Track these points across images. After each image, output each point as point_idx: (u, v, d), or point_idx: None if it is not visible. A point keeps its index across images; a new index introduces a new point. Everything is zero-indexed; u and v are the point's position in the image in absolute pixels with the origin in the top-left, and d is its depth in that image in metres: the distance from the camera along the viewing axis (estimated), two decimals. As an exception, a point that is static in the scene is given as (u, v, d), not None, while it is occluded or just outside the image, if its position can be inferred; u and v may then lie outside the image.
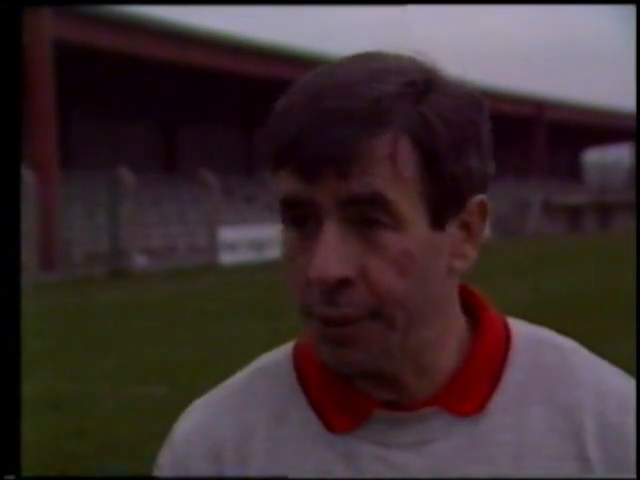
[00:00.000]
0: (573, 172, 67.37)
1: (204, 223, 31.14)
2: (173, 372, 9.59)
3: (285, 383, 1.11)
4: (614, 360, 1.14)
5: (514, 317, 1.14)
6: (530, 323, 1.13)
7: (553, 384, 1.07)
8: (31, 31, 23.74)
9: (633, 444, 1.04)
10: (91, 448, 6.82)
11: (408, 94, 0.99)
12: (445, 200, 1.00)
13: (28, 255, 20.59)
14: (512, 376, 1.07)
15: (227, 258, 28.41)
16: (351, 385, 1.07)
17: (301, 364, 1.11)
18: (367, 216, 0.98)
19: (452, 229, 1.02)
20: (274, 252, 29.64)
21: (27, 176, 21.60)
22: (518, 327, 1.11)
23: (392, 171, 0.97)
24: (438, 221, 1.00)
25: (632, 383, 1.10)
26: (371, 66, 1.01)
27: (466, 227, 1.03)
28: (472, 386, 1.06)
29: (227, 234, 29.21)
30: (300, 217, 1.00)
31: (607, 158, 71.67)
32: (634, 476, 1.04)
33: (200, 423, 1.12)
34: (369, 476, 1.04)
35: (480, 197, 1.03)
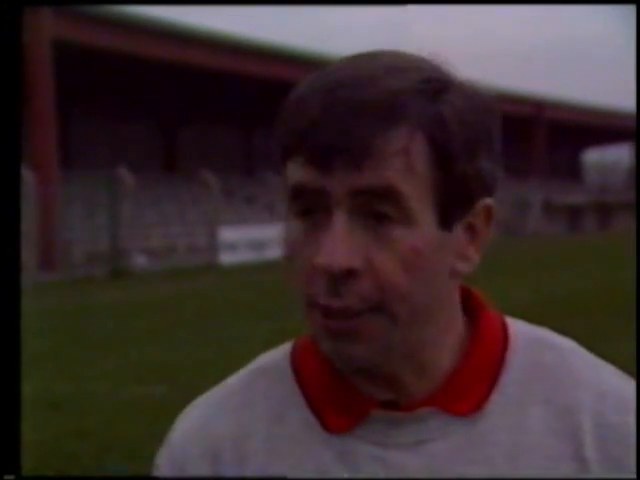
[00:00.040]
0: (573, 172, 67.37)
1: (204, 223, 31.15)
2: (173, 372, 9.59)
3: (283, 383, 1.11)
4: (614, 360, 1.14)
5: (514, 317, 1.14)
6: (529, 323, 1.13)
7: (551, 384, 1.07)
8: (31, 31, 23.74)
9: (632, 444, 1.04)
10: (91, 448, 6.82)
11: (425, 91, 0.99)
12: (454, 200, 1.00)
13: (28, 255, 20.60)
14: (510, 376, 1.07)
15: (227, 258, 28.41)
16: (349, 385, 1.07)
17: (299, 364, 1.11)
18: (377, 209, 0.98)
19: (458, 231, 1.02)
20: (274, 252, 29.72)
21: (27, 176, 21.61)
22: (516, 327, 1.11)
23: (406, 165, 0.97)
24: (446, 221, 1.00)
25: (631, 383, 1.09)
26: (388, 62, 1.01)
27: (471, 230, 1.04)
28: (469, 386, 1.06)
29: (227, 234, 29.21)
30: (309, 207, 1.00)
31: (607, 158, 71.72)
32: (633, 476, 1.04)
33: (198, 423, 1.12)
34: (367, 476, 1.04)
35: (487, 201, 1.04)
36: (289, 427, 1.08)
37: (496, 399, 1.06)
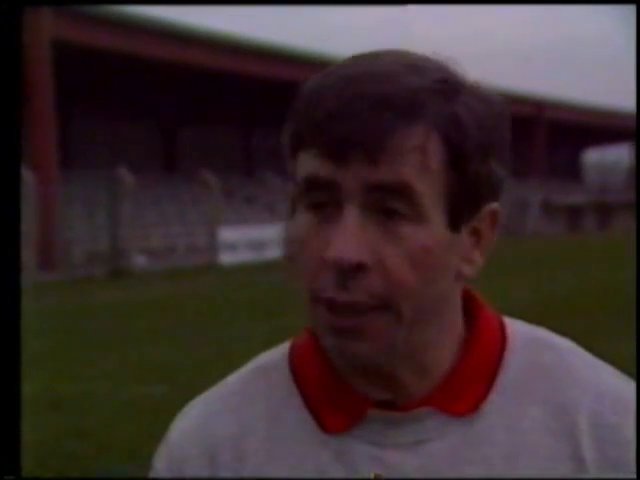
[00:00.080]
0: (573, 172, 67.36)
1: (204, 223, 31.15)
2: (173, 372, 9.59)
3: (281, 383, 1.11)
4: (614, 360, 1.14)
5: (514, 317, 1.14)
6: (528, 323, 1.13)
7: (549, 384, 1.07)
8: (31, 31, 23.74)
9: (629, 444, 1.04)
10: (91, 448, 6.82)
11: (442, 91, 0.99)
12: (465, 202, 1.00)
13: (28, 255, 20.59)
14: (508, 376, 1.07)
15: (227, 258, 28.42)
16: (346, 385, 1.07)
17: (297, 364, 1.11)
18: (389, 205, 0.97)
19: (464, 233, 1.02)
20: (274, 252, 29.72)
21: (27, 176, 21.61)
22: (515, 327, 1.11)
23: (421, 163, 0.97)
24: (455, 222, 1.00)
25: (629, 384, 1.09)
26: (405, 60, 1.01)
27: (476, 234, 1.04)
28: (467, 386, 1.06)
29: (227, 234, 29.22)
30: (319, 200, 0.99)
31: (607, 158, 71.68)
32: (631, 476, 1.04)
33: (197, 423, 1.12)
34: (364, 476, 1.04)
35: (494, 205, 1.04)
36: (287, 427, 1.08)
37: (494, 399, 1.06)
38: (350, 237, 0.96)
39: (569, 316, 12.06)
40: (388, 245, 0.97)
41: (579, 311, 13.48)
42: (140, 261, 27.39)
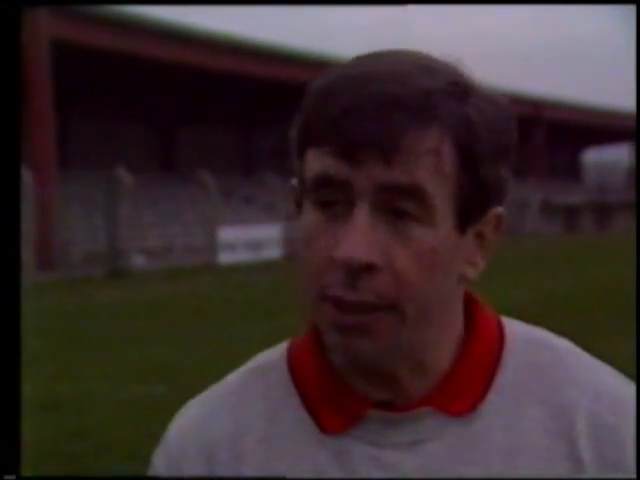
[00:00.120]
0: (572, 172, 67.36)
1: (202, 223, 31.15)
2: (173, 372, 9.59)
3: (279, 383, 1.11)
4: (614, 360, 1.14)
5: (513, 317, 1.14)
6: (526, 323, 1.13)
7: (547, 384, 1.07)
8: (30, 31, 23.74)
9: (628, 445, 1.04)
10: (91, 448, 6.82)
11: (454, 93, 0.99)
12: (473, 205, 1.01)
13: (26, 255, 20.58)
14: (506, 376, 1.07)
15: (225, 258, 28.42)
16: (345, 385, 1.07)
17: (295, 364, 1.11)
18: (400, 206, 0.97)
19: (469, 236, 1.02)
20: (272, 252, 29.73)
21: (25, 176, 21.60)
22: (513, 327, 1.11)
23: (434, 166, 0.97)
24: (463, 225, 1.01)
25: (628, 384, 1.09)
26: (417, 60, 1.01)
27: (480, 237, 1.04)
28: (465, 386, 1.06)
29: (225, 234, 29.21)
30: (329, 198, 0.99)
31: (606, 158, 71.67)
32: (630, 477, 1.04)
33: (195, 422, 1.12)
34: (363, 476, 1.04)
35: (499, 209, 1.04)
36: (285, 427, 1.08)
37: (492, 399, 1.06)
38: (361, 237, 0.96)
39: (568, 316, 12.06)
40: (397, 246, 0.97)
41: (578, 311, 13.49)
42: (139, 261, 27.40)
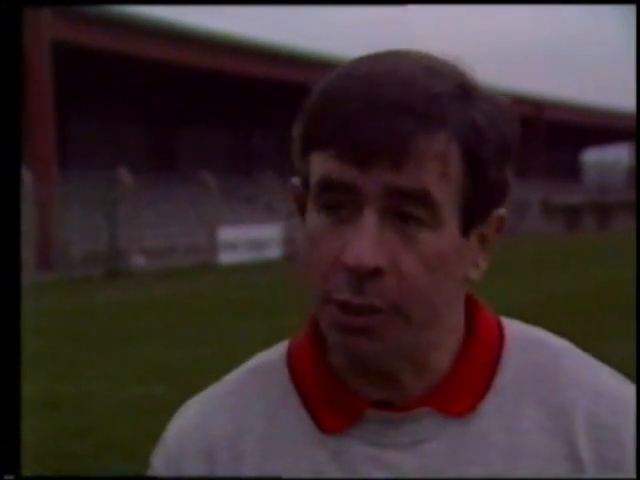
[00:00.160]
0: (572, 172, 67.35)
1: (203, 223, 31.15)
2: (173, 372, 9.59)
3: (279, 383, 1.11)
4: (614, 360, 1.14)
5: (513, 317, 1.14)
6: (525, 323, 1.13)
7: (547, 384, 1.07)
8: (30, 31, 23.74)
9: (627, 445, 1.04)
10: (91, 448, 6.82)
11: (460, 97, 0.98)
12: (478, 208, 1.01)
13: (26, 255, 20.59)
14: (505, 376, 1.07)
15: (226, 258, 28.41)
16: (344, 385, 1.07)
17: (295, 364, 1.11)
18: (407, 210, 0.97)
19: (472, 238, 1.03)
20: (273, 252, 29.72)
21: (25, 176, 21.60)
22: (512, 327, 1.11)
23: (442, 171, 0.97)
24: (467, 227, 1.01)
25: (627, 384, 1.09)
26: (423, 62, 1.00)
27: (483, 238, 1.04)
28: (464, 386, 1.06)
29: (226, 234, 29.21)
30: (334, 201, 0.98)
31: (606, 158, 71.66)
32: (631, 477, 1.04)
33: (194, 422, 1.12)
34: (362, 476, 1.04)
35: (501, 211, 1.04)
36: (284, 427, 1.08)
37: (491, 399, 1.06)
38: (369, 242, 0.96)
39: (568, 316, 12.05)
40: (404, 250, 0.97)
41: (579, 311, 13.48)
42: (139, 261, 27.38)
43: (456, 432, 1.04)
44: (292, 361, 1.11)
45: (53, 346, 11.66)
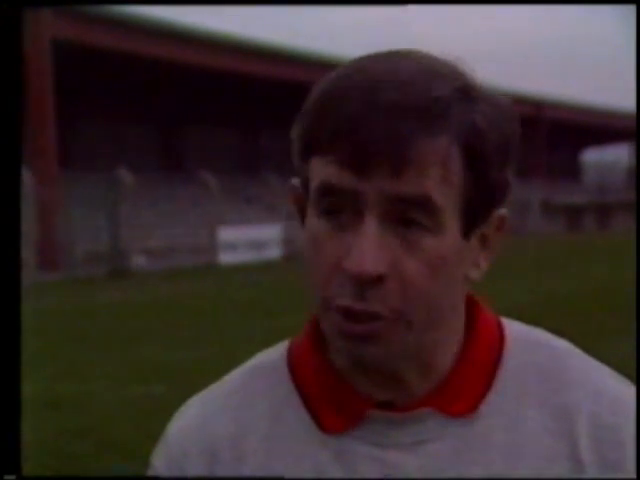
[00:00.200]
0: (572, 172, 67.32)
1: (204, 223, 31.14)
2: (173, 372, 9.58)
3: (280, 382, 1.11)
4: (614, 360, 1.14)
5: (513, 317, 1.14)
6: (525, 323, 1.13)
7: (547, 385, 1.07)
8: (31, 31, 23.73)
9: (627, 445, 1.04)
10: (91, 448, 6.81)
11: (461, 99, 0.98)
12: (478, 209, 1.00)
13: (28, 255, 20.60)
14: (506, 377, 1.07)
15: (227, 258, 28.41)
16: (346, 385, 1.07)
17: (296, 363, 1.11)
18: (408, 216, 0.96)
19: (474, 239, 1.02)
20: (273, 252, 29.71)
21: (26, 176, 21.61)
22: (512, 328, 1.11)
23: (443, 175, 0.96)
24: (468, 229, 1.01)
25: (627, 385, 1.09)
26: (424, 64, 0.99)
27: (484, 239, 1.04)
28: (465, 387, 1.06)
29: (227, 234, 29.21)
30: (335, 207, 0.98)
31: (606, 158, 71.62)
32: (632, 477, 1.04)
33: (195, 422, 1.12)
34: (364, 476, 1.04)
35: (502, 211, 1.04)
36: (286, 427, 1.08)
37: (493, 400, 1.06)
38: (371, 249, 0.95)
39: (569, 316, 12.05)
40: (406, 256, 0.97)
41: (579, 311, 13.47)
42: (140, 261, 27.39)
43: (458, 432, 1.05)
44: (293, 361, 1.11)
45: (53, 346, 11.66)
